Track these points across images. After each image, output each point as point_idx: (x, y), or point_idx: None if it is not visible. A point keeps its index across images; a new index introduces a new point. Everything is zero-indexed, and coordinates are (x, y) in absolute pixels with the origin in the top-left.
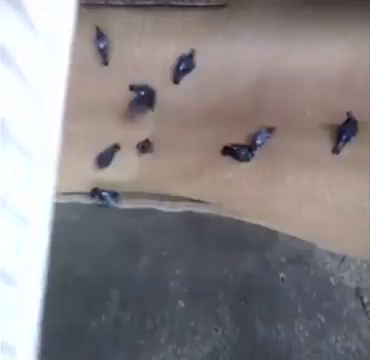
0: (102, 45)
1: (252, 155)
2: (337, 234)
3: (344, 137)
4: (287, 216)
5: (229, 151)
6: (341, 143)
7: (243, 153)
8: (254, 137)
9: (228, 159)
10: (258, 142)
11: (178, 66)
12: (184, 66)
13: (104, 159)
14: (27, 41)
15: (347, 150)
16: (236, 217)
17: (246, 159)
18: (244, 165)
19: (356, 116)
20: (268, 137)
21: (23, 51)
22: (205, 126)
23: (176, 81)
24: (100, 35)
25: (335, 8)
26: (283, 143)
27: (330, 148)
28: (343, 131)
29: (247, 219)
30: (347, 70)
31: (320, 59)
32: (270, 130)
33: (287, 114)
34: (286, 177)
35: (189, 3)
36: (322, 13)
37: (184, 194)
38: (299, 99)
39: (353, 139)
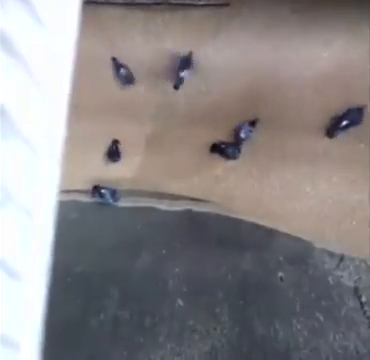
0: (123, 72)
1: (239, 152)
2: (318, 225)
3: (344, 123)
4: (272, 208)
5: (217, 149)
6: (339, 129)
7: (230, 150)
8: (238, 131)
9: (217, 157)
10: (242, 136)
11: (178, 71)
12: (183, 72)
13: (113, 153)
14: (34, 35)
15: (330, 148)
16: (234, 216)
17: (234, 156)
18: (232, 162)
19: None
20: (251, 131)
21: (30, 44)
22: (201, 125)
23: (176, 87)
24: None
25: (335, 8)
26: (270, 140)
27: (314, 146)
28: (344, 117)
29: (236, 214)
30: (345, 71)
31: (320, 59)
32: (252, 123)
33: (279, 113)
34: (271, 172)
35: (189, 2)
36: (322, 14)
37: (176, 192)
38: (294, 99)
39: (352, 128)
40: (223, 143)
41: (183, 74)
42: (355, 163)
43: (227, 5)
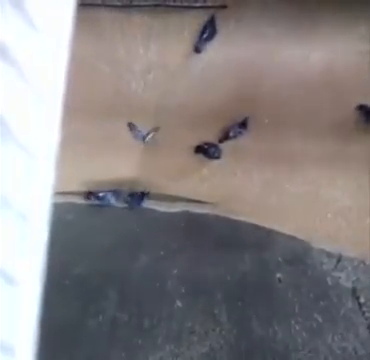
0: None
1: (220, 152)
2: (296, 217)
3: (232, 133)
4: (254, 203)
5: (201, 150)
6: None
7: (212, 151)
8: (228, 130)
9: (205, 158)
10: (231, 134)
11: (201, 34)
12: (207, 34)
13: None
14: (27, 39)
15: (307, 148)
16: (233, 217)
17: (216, 156)
18: (216, 162)
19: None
20: (240, 132)
21: (23, 48)
22: (198, 126)
23: (198, 50)
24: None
25: (335, 9)
26: (252, 141)
27: (294, 147)
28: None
29: (222, 210)
30: (332, 73)
31: (309, 61)
32: (243, 125)
33: (261, 114)
34: (252, 171)
35: (186, 4)
36: (322, 14)
37: (172, 193)
38: (276, 101)
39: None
40: (206, 144)
41: (205, 36)
42: (329, 161)
43: (224, 7)
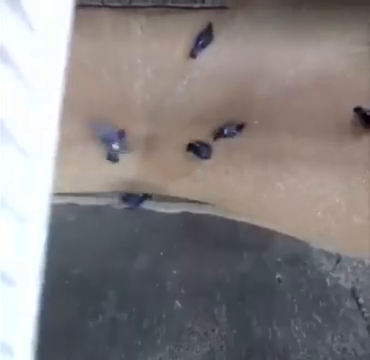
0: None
1: (211, 151)
2: (288, 215)
3: (226, 132)
4: (246, 201)
5: (192, 148)
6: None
7: (203, 149)
8: (222, 128)
9: (198, 158)
10: (225, 132)
11: (197, 40)
12: (203, 40)
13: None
14: (25, 40)
15: (297, 148)
16: (232, 217)
17: (207, 156)
18: (209, 161)
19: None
20: (235, 133)
21: (22, 50)
22: (193, 128)
23: (193, 55)
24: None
25: (335, 10)
26: (244, 140)
27: (284, 146)
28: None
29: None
30: (327, 75)
31: (317, 62)
32: (239, 127)
33: (253, 115)
34: (244, 170)
35: (185, 4)
36: (323, 15)
37: (172, 193)
38: (281, 102)
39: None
40: (198, 142)
41: (201, 42)
42: (319, 161)
43: (223, 8)
